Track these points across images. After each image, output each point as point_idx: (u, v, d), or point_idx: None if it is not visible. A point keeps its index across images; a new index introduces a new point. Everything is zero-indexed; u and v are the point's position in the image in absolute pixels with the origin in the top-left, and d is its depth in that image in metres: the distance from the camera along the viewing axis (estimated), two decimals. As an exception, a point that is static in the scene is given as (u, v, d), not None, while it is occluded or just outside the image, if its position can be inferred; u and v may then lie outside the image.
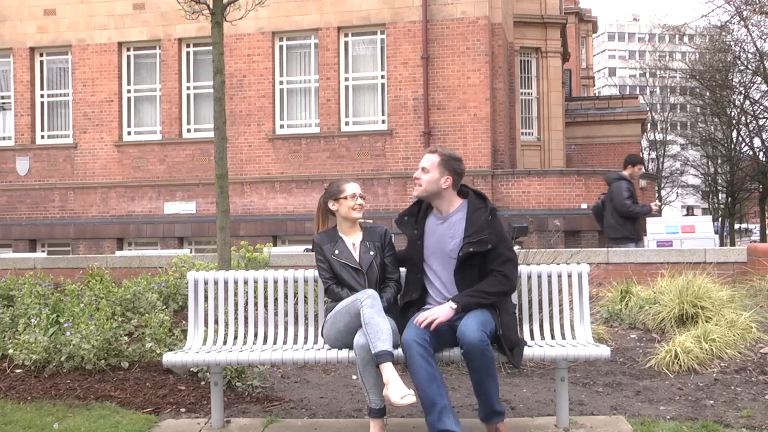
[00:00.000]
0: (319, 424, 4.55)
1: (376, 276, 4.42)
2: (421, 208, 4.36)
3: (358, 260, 4.43)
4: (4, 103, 19.32)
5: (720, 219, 39.37)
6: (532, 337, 4.48)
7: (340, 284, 4.44)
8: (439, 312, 3.98)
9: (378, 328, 3.94)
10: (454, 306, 4.00)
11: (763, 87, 27.68)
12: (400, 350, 4.07)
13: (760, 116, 28.78)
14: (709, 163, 39.49)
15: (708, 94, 31.60)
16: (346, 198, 4.50)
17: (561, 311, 4.53)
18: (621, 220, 9.17)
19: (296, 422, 4.59)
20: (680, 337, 5.53)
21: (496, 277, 4.09)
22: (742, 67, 28.00)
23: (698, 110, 37.14)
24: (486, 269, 4.12)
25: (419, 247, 4.28)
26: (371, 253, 4.45)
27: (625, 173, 9.38)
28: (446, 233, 4.21)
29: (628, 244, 9.06)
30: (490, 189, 16.40)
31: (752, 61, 26.95)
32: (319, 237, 4.57)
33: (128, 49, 18.64)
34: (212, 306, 4.71)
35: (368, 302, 4.04)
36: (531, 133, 21.37)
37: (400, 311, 4.36)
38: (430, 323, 3.94)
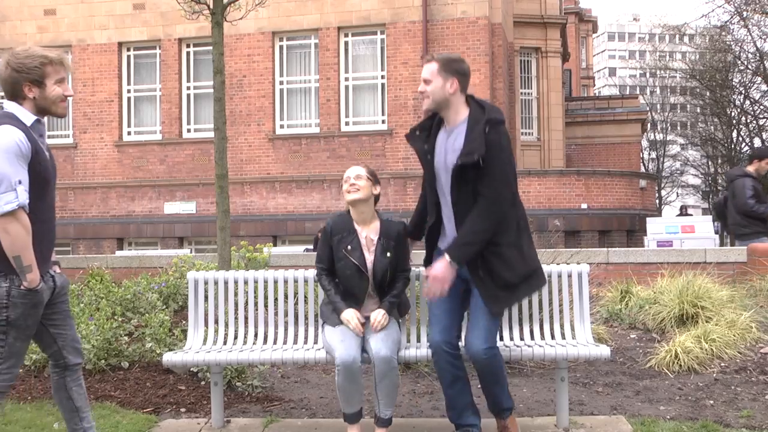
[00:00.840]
0: (319, 424, 4.55)
1: (386, 281, 4.18)
2: (434, 122, 4.04)
3: (371, 264, 4.14)
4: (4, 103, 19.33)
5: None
6: (532, 337, 4.48)
7: (332, 275, 4.24)
8: (441, 276, 3.77)
9: (348, 396, 3.99)
10: (450, 261, 3.76)
11: (763, 87, 27.67)
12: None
13: (760, 116, 28.78)
14: (709, 163, 39.50)
15: (708, 94, 31.60)
16: (342, 186, 4.23)
17: (561, 311, 4.53)
18: (746, 216, 8.30)
19: (296, 422, 4.59)
20: (680, 337, 5.53)
21: (480, 206, 3.77)
22: (742, 67, 28.00)
23: (698, 110, 37.16)
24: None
25: (429, 163, 3.98)
26: (388, 254, 4.14)
27: (751, 169, 8.40)
28: (450, 147, 3.92)
29: (761, 237, 8.20)
30: (490, 189, 16.40)
31: (752, 61, 26.94)
32: (332, 220, 4.28)
33: (128, 49, 18.65)
34: (212, 306, 4.71)
35: (342, 371, 3.93)
36: (531, 133, 21.38)
37: (427, 239, 4.13)
38: (441, 292, 3.78)
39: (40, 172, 3.26)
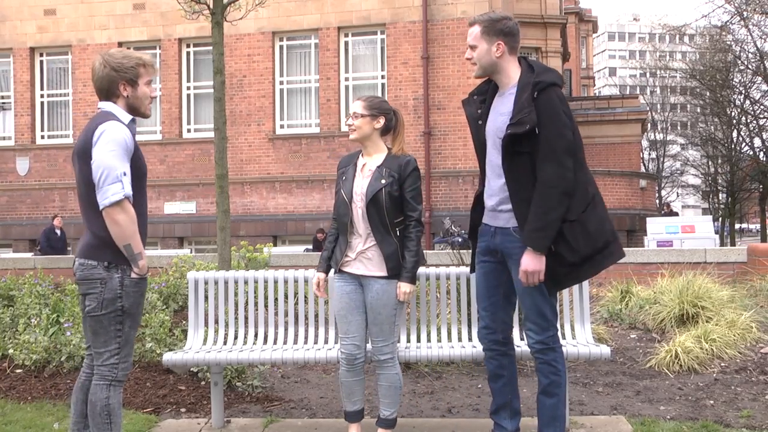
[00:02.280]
0: (319, 424, 4.55)
1: (383, 210, 3.84)
2: (491, 87, 3.76)
3: (362, 189, 3.89)
4: (4, 103, 19.33)
5: (720, 219, 39.38)
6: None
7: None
8: (531, 269, 3.48)
9: (350, 391, 4.00)
10: (534, 252, 3.47)
11: (764, 87, 27.66)
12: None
13: (761, 116, 28.76)
14: (709, 163, 39.48)
15: (708, 94, 31.58)
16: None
17: (561, 311, 4.53)
18: None
19: (296, 422, 4.59)
20: (680, 337, 5.53)
21: (540, 187, 3.44)
22: (742, 67, 27.99)
23: (698, 110, 37.14)
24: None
25: (479, 129, 3.73)
26: (383, 181, 3.85)
27: None
28: (499, 110, 3.64)
29: None
30: (490, 189, 16.40)
31: (752, 60, 26.93)
32: (343, 158, 4.16)
33: (128, 49, 18.64)
34: (212, 306, 4.71)
35: (344, 362, 3.97)
36: (531, 133, 21.36)
37: (472, 210, 3.89)
38: (539, 281, 3.53)
39: (140, 167, 3.41)
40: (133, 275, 3.31)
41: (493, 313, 3.82)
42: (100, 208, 3.22)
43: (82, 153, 3.32)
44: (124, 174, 3.25)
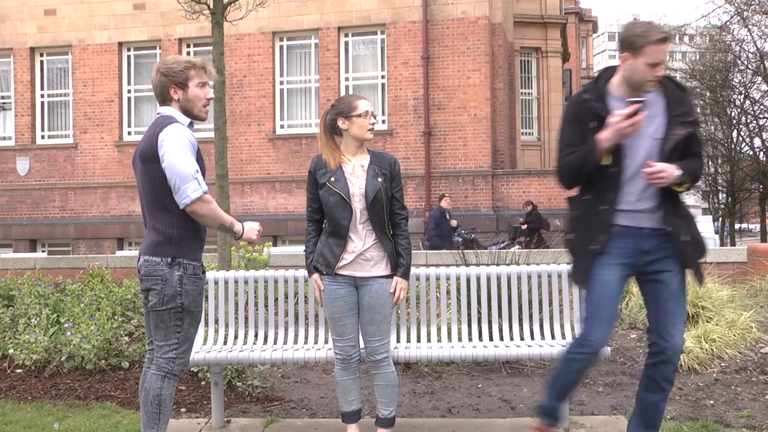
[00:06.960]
0: (319, 424, 4.55)
1: (382, 209, 3.84)
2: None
3: (361, 189, 3.83)
4: (4, 103, 19.33)
5: (720, 219, 39.36)
6: (532, 337, 4.48)
7: (318, 222, 3.98)
8: (665, 171, 3.34)
9: (347, 390, 4.01)
10: (678, 169, 3.37)
11: (764, 87, 27.64)
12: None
13: (761, 116, 28.74)
14: (709, 163, 39.45)
15: (708, 94, 31.56)
16: (359, 116, 3.88)
17: (561, 311, 4.54)
18: None
19: (296, 422, 4.60)
20: (680, 337, 5.53)
21: (695, 160, 3.50)
22: (742, 67, 27.97)
23: (698, 110, 37.11)
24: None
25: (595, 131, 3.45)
26: (379, 179, 3.83)
27: None
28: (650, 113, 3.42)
29: None
30: (490, 189, 16.40)
31: (752, 60, 26.91)
32: (316, 158, 3.97)
33: (128, 49, 18.65)
34: (212, 306, 4.71)
35: (340, 364, 4.00)
36: (531, 133, 21.38)
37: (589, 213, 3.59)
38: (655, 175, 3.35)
39: (202, 167, 3.51)
40: (243, 237, 3.52)
41: (608, 324, 3.49)
42: (181, 207, 3.37)
43: (147, 155, 3.45)
44: (197, 171, 3.38)
